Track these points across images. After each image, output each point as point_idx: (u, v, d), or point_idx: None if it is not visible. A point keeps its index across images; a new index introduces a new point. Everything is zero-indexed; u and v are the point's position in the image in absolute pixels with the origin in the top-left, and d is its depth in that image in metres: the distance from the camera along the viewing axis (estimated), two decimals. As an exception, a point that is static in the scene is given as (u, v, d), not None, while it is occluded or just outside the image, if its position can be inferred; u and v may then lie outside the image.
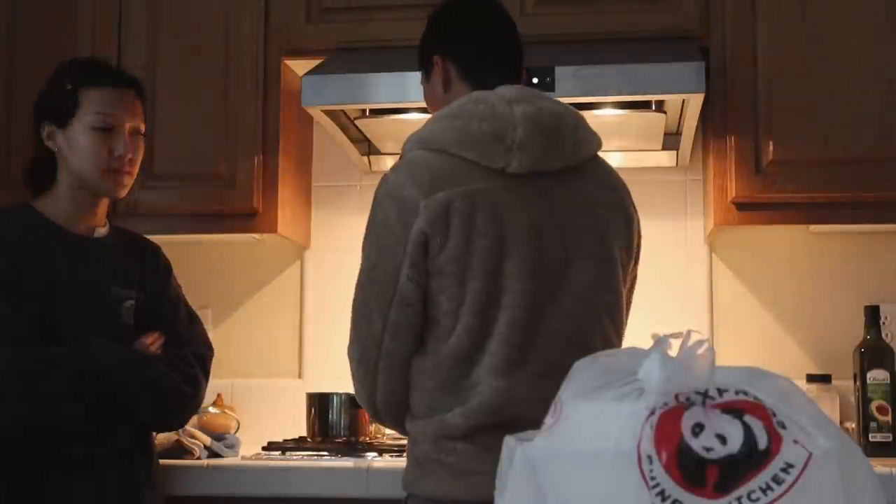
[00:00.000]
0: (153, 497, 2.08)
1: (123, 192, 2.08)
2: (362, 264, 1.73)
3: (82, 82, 2.03)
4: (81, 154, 2.01)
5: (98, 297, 2.02)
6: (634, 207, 1.85)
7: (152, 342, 2.04)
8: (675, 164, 2.79)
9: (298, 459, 2.33)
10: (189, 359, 2.06)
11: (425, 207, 1.64)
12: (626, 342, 1.97)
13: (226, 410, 2.64)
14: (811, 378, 2.61)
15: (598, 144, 1.81)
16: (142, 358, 1.99)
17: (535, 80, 2.31)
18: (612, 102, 2.45)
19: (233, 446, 2.46)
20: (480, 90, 1.75)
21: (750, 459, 0.85)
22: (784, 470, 0.85)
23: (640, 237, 1.87)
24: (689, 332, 0.91)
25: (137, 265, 2.12)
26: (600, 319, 1.72)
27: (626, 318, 1.87)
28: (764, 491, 0.85)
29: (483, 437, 1.62)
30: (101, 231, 2.09)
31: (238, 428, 2.61)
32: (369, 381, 1.73)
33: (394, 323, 1.69)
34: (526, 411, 1.60)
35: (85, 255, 2.03)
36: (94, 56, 2.13)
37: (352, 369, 1.77)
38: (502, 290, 1.65)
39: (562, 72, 2.35)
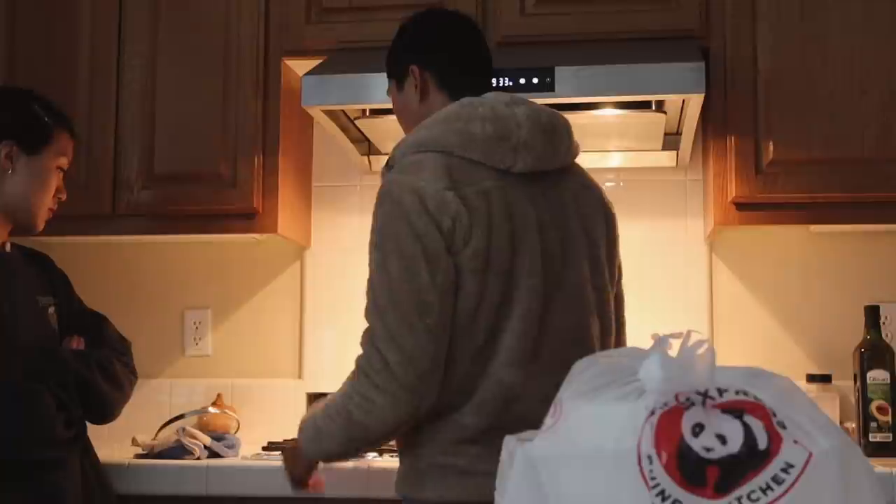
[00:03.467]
0: (104, 491, 2.14)
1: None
2: (388, 262, 1.65)
3: (57, 122, 2.13)
4: (39, 186, 2.09)
5: (29, 306, 2.07)
6: (611, 206, 1.91)
7: (76, 344, 2.11)
8: (675, 164, 2.79)
9: (298, 459, 2.33)
10: (123, 351, 2.18)
11: (450, 201, 1.63)
12: (626, 341, 1.97)
13: (226, 410, 2.64)
14: (811, 378, 2.61)
15: (579, 148, 1.86)
16: (98, 356, 2.09)
17: (535, 81, 2.34)
18: (612, 102, 2.45)
19: (233, 446, 2.46)
20: (455, 100, 1.77)
21: (750, 459, 0.85)
22: (784, 470, 0.85)
23: (617, 234, 1.91)
24: (689, 332, 0.91)
25: (45, 274, 2.18)
26: (592, 315, 1.76)
27: (622, 314, 1.91)
28: (764, 491, 0.85)
29: (490, 437, 1.62)
30: (8, 245, 2.13)
31: (238, 428, 2.61)
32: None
33: (443, 313, 1.64)
34: (531, 408, 1.62)
35: (8, 270, 2.08)
36: (46, 97, 2.17)
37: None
38: (514, 287, 1.67)
39: (562, 72, 2.35)
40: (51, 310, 2.12)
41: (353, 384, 1.68)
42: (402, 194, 1.66)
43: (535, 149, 1.72)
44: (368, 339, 1.67)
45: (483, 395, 1.65)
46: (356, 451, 1.74)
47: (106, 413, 2.10)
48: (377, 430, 1.66)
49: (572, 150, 1.83)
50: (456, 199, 1.65)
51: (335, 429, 1.70)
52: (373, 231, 1.70)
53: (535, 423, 1.62)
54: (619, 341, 1.89)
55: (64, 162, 2.14)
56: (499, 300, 1.66)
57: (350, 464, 2.21)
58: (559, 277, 1.72)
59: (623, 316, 1.92)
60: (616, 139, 2.74)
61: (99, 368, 2.06)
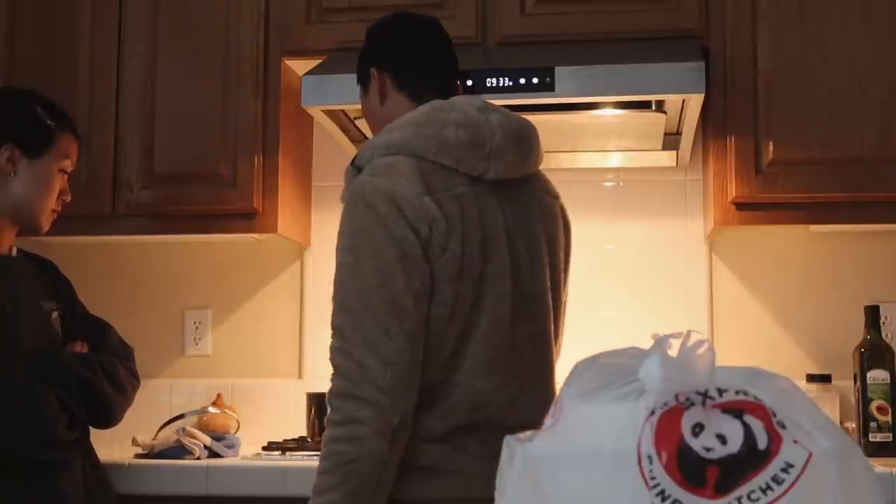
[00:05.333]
0: (105, 493, 2.14)
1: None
2: (362, 265, 1.60)
3: (61, 123, 2.12)
4: (41, 189, 2.08)
5: (34, 311, 2.07)
6: (567, 215, 1.92)
7: (80, 349, 2.11)
8: (675, 164, 2.79)
9: (298, 459, 2.33)
10: (126, 356, 2.19)
11: (427, 206, 1.61)
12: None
13: (226, 410, 2.64)
14: (811, 378, 2.61)
15: (543, 156, 1.85)
16: (101, 359, 2.09)
17: (535, 81, 2.34)
18: (612, 102, 2.45)
19: (233, 446, 2.46)
20: (417, 101, 1.75)
21: (750, 459, 0.85)
22: (784, 470, 0.85)
23: (571, 243, 1.93)
24: (689, 332, 0.91)
25: (48, 280, 2.18)
26: (550, 323, 1.78)
27: (562, 322, 1.93)
28: (764, 491, 0.84)
29: (456, 437, 1.63)
30: (14, 250, 2.13)
31: (238, 428, 2.61)
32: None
33: (419, 319, 1.61)
34: (498, 413, 1.65)
35: (14, 274, 2.08)
36: (48, 97, 2.16)
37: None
38: (484, 294, 1.65)
39: (562, 72, 2.35)
40: (54, 314, 2.12)
41: (329, 419, 1.59)
42: (377, 197, 1.61)
43: (507, 157, 1.70)
44: (341, 350, 1.59)
45: (452, 401, 1.64)
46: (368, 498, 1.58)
47: (109, 417, 2.10)
48: (374, 450, 1.55)
49: (540, 157, 1.82)
50: (433, 204, 1.61)
51: (335, 482, 1.56)
52: (342, 234, 1.65)
53: (499, 424, 1.62)
54: (557, 346, 1.91)
55: (67, 164, 2.13)
56: (469, 307, 1.64)
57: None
58: (525, 286, 1.71)
59: (563, 323, 1.92)
60: (616, 139, 2.74)
61: (103, 372, 2.06)
